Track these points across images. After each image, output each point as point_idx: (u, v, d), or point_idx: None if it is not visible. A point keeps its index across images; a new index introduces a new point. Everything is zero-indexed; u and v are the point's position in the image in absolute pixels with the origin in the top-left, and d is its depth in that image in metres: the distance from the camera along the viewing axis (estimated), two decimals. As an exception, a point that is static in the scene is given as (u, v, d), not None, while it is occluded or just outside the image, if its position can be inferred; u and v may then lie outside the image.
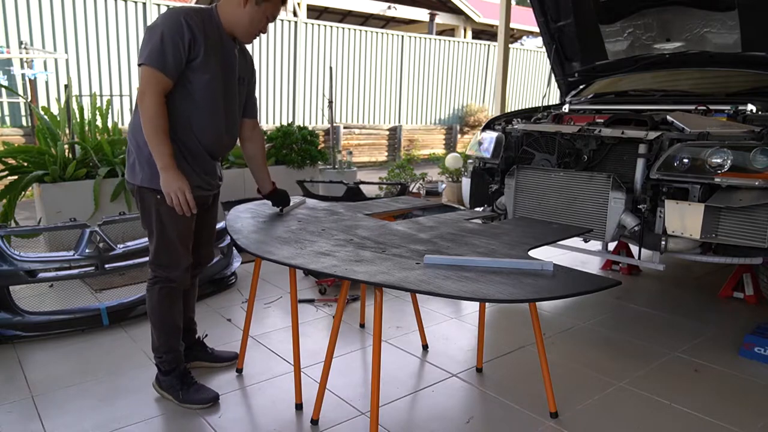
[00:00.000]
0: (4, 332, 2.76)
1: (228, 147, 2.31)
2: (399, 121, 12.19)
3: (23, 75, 7.69)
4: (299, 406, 2.24)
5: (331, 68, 8.35)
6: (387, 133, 11.84)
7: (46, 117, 4.62)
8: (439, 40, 12.64)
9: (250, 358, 2.64)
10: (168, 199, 2.01)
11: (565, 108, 4.24)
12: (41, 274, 2.87)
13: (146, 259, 3.17)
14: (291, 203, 2.63)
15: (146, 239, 3.25)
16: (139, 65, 1.96)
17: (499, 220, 3.58)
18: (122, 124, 8.48)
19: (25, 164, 4.34)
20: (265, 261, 1.99)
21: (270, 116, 10.39)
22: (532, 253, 2.00)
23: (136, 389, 2.36)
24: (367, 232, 2.25)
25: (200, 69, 2.02)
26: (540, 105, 4.42)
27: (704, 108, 3.45)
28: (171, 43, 1.92)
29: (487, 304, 2.80)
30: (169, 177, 1.98)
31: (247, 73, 2.31)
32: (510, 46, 8.02)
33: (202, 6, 2.14)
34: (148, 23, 8.56)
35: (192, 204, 2.04)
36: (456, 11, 14.82)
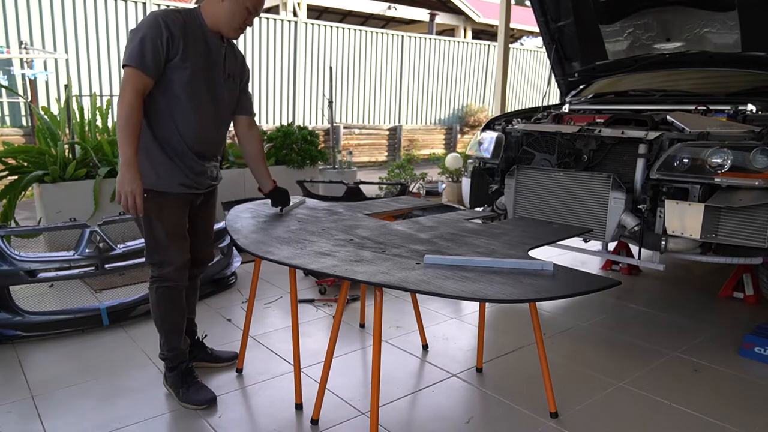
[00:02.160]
0: (4, 332, 2.76)
1: (216, 144, 2.29)
2: (399, 121, 12.19)
3: (23, 75, 7.69)
4: (299, 406, 2.24)
5: (331, 68, 8.36)
6: (387, 133, 11.84)
7: (46, 117, 4.62)
8: (439, 40, 12.63)
9: (250, 358, 2.64)
10: (117, 197, 2.00)
11: (565, 108, 4.24)
12: (41, 274, 2.87)
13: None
14: (291, 203, 2.64)
15: (146, 239, 3.27)
16: (123, 67, 2.01)
17: (499, 220, 3.58)
18: (122, 124, 8.46)
19: (25, 164, 4.34)
20: (265, 261, 1.99)
21: (270, 116, 10.39)
22: (532, 253, 2.00)
23: (136, 389, 2.36)
24: (367, 232, 2.25)
25: (180, 66, 2.04)
26: (540, 105, 4.42)
27: (704, 108, 3.45)
28: (150, 42, 1.96)
29: (487, 304, 2.80)
30: (127, 175, 1.96)
31: (237, 70, 2.32)
32: (510, 46, 8.02)
33: (187, 6, 2.18)
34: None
35: (140, 209, 2.00)
36: (456, 11, 14.82)
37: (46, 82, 7.98)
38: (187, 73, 2.06)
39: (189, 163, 2.17)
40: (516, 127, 3.73)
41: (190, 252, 2.27)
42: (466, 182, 4.03)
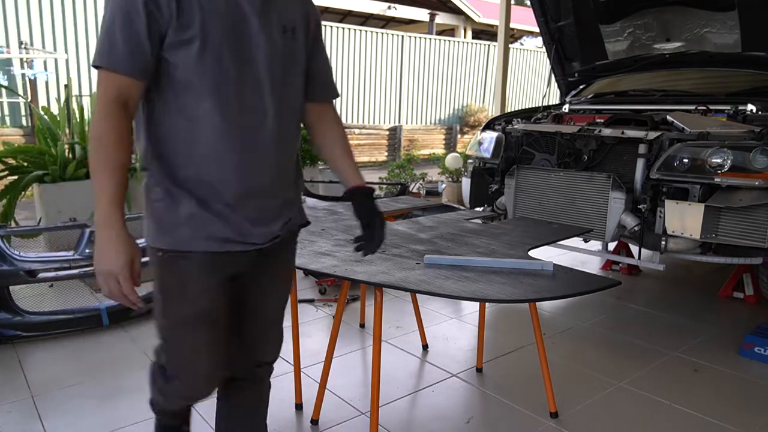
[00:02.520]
0: (4, 332, 2.76)
1: (280, 158, 1.34)
2: (399, 121, 12.19)
3: (23, 75, 7.69)
4: (299, 406, 2.24)
5: (331, 68, 8.35)
6: (387, 133, 11.84)
7: (46, 117, 4.62)
8: (439, 40, 12.64)
9: (250, 358, 2.64)
10: (97, 279, 1.19)
11: (565, 108, 4.24)
12: (41, 274, 2.87)
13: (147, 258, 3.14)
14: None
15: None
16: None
17: (499, 220, 3.58)
18: (122, 124, 8.46)
19: (25, 164, 4.34)
20: (265, 261, 1.98)
21: (270, 116, 10.39)
22: (532, 253, 2.00)
23: (136, 389, 2.36)
24: (367, 232, 2.25)
25: (179, 39, 1.18)
26: (540, 105, 4.42)
27: (704, 108, 3.45)
28: (120, 22, 1.15)
29: (487, 304, 2.80)
30: (103, 240, 1.17)
31: (298, 17, 1.34)
32: (510, 46, 8.02)
33: None
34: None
35: (133, 299, 1.20)
36: (456, 11, 14.82)
37: (46, 82, 7.99)
38: (196, 46, 1.18)
39: (226, 201, 1.28)
40: (516, 127, 3.74)
41: (241, 349, 1.50)
42: (466, 182, 4.03)
